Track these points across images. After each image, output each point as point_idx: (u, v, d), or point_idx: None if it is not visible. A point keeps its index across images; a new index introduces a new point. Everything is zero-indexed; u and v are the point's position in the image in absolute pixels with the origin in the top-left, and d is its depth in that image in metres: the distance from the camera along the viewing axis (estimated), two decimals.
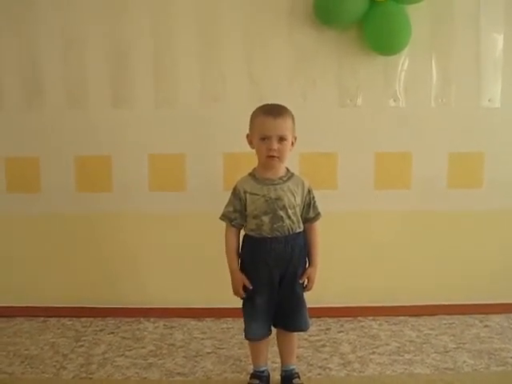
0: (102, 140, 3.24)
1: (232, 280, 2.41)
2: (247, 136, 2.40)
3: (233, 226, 2.42)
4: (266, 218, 2.33)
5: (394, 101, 3.21)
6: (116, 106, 3.21)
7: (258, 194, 2.35)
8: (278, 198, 2.33)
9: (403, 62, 3.19)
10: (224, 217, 2.43)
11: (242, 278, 2.39)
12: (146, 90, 3.20)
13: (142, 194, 3.25)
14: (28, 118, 3.23)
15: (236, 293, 2.41)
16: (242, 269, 2.42)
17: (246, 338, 2.44)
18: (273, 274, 2.36)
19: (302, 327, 2.44)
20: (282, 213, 2.33)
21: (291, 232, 2.35)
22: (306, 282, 2.42)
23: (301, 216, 2.39)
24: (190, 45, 3.17)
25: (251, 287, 2.37)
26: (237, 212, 2.40)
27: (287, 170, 2.42)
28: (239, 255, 2.44)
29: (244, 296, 2.40)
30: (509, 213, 3.33)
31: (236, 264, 2.42)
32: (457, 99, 3.23)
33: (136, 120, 3.22)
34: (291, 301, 2.40)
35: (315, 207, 2.43)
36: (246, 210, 2.38)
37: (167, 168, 3.24)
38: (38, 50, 3.18)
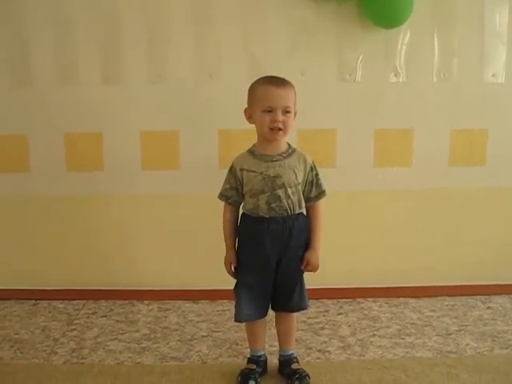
0: (92, 117, 3.13)
1: (225, 257, 2.37)
2: (245, 111, 2.28)
3: (229, 204, 2.34)
4: (263, 197, 2.23)
5: (395, 75, 3.12)
6: (107, 83, 3.11)
7: (255, 172, 2.25)
8: (277, 176, 2.22)
9: (404, 35, 3.08)
10: (221, 195, 2.35)
11: (231, 258, 2.34)
12: (138, 65, 3.10)
13: (134, 173, 3.16)
14: (16, 96, 3.12)
15: (227, 270, 2.36)
16: (239, 248, 2.35)
17: (235, 320, 2.35)
18: (269, 255, 2.27)
19: (301, 306, 2.36)
20: (280, 192, 2.23)
21: (290, 213, 2.25)
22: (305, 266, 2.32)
23: (303, 195, 2.29)
24: (185, 19, 3.05)
25: (234, 266, 2.34)
26: (233, 189, 2.32)
27: (289, 145, 2.31)
28: (237, 234, 2.36)
29: (233, 273, 2.35)
30: None
31: (230, 242, 2.35)
32: (459, 74, 3.14)
33: (128, 96, 3.12)
34: (290, 284, 2.31)
35: (318, 185, 2.31)
36: (243, 189, 2.29)
37: (160, 146, 3.14)
38: (27, 26, 3.06)
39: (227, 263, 2.35)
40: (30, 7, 3.04)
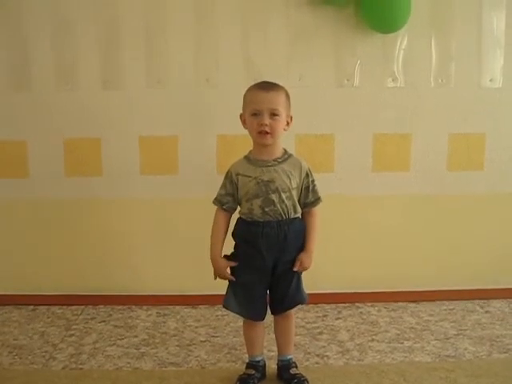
0: (91, 122, 3.14)
1: (213, 267, 2.32)
2: (241, 116, 2.30)
3: (224, 209, 2.33)
4: (257, 201, 2.24)
5: (393, 80, 3.13)
6: (106, 87, 3.12)
7: (249, 176, 2.25)
8: (270, 181, 2.23)
9: (402, 40, 3.10)
10: (216, 200, 2.34)
11: (224, 264, 2.31)
12: (137, 70, 3.11)
13: (133, 178, 3.17)
14: (15, 100, 3.13)
15: (222, 278, 2.33)
16: (236, 249, 2.34)
17: (223, 305, 2.37)
18: (265, 259, 2.27)
19: (296, 301, 2.36)
20: (274, 196, 2.23)
21: (285, 217, 2.26)
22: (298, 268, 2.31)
23: (299, 200, 2.29)
24: (183, 23, 3.07)
25: (235, 264, 2.31)
26: (229, 195, 2.32)
27: (285, 151, 2.31)
28: (232, 236, 2.35)
29: (232, 278, 2.32)
30: (510, 196, 3.26)
31: (217, 251, 2.32)
32: (457, 79, 3.15)
33: (127, 101, 3.13)
34: (287, 287, 2.31)
35: (315, 191, 2.31)
36: (238, 194, 2.30)
37: (159, 151, 3.15)
38: (27, 30, 3.07)
39: (221, 272, 2.31)
40: (31, 12, 3.05)
